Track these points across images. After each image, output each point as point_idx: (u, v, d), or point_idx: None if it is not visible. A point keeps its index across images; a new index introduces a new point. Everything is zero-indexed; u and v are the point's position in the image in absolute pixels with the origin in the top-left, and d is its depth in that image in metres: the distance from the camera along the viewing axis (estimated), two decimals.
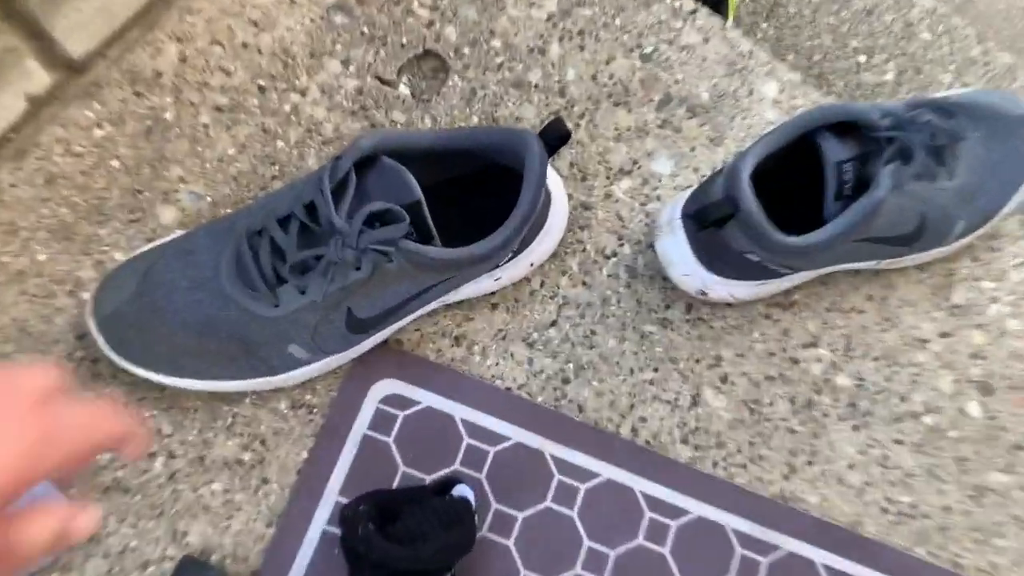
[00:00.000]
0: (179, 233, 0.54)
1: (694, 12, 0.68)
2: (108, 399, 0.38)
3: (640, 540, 0.56)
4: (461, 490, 0.54)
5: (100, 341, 0.52)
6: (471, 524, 0.52)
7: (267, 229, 0.50)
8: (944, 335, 0.63)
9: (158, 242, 0.54)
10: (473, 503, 0.53)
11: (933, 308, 0.63)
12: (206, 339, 0.52)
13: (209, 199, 0.59)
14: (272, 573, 0.53)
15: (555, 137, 0.52)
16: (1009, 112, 0.63)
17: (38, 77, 0.56)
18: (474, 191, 0.56)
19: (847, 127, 0.56)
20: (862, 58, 0.93)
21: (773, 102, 0.67)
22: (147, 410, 0.55)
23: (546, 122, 0.51)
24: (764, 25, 0.94)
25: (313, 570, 0.54)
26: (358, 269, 0.49)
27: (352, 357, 0.57)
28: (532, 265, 0.60)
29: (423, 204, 0.49)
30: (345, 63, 0.63)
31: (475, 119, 0.63)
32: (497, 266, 0.56)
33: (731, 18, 0.87)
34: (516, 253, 0.57)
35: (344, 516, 0.52)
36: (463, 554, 0.52)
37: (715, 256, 0.57)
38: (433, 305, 0.57)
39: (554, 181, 0.59)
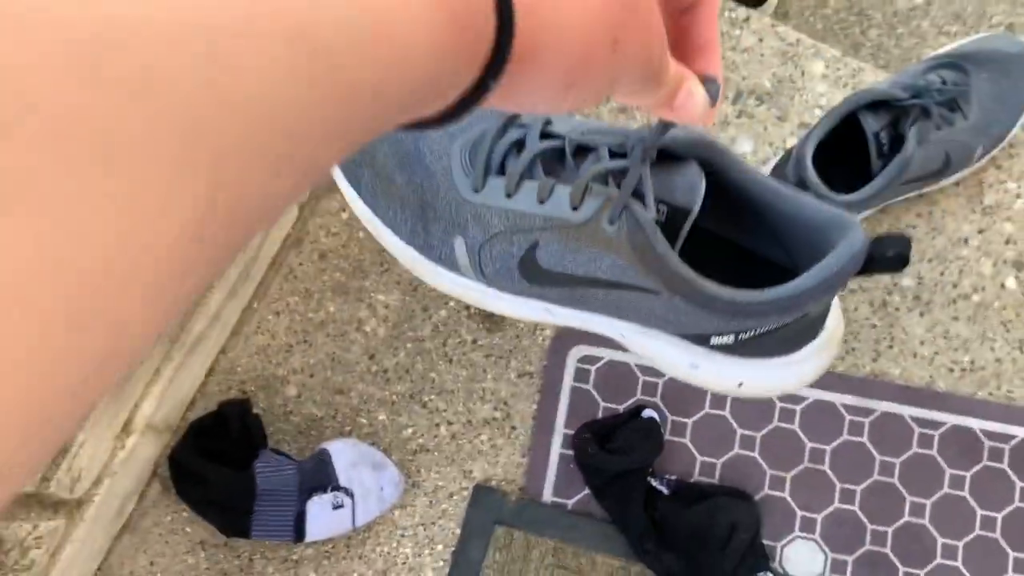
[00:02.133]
0: None
1: (747, 19, 0.87)
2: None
3: (775, 423, 0.80)
4: (648, 413, 0.79)
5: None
6: (660, 435, 0.78)
7: (529, 128, 0.46)
8: (981, 231, 0.83)
9: None
10: (658, 419, 0.79)
11: (969, 212, 0.84)
12: (400, 171, 0.49)
13: None
14: (532, 486, 0.81)
15: (889, 257, 0.42)
16: (1008, 50, 0.82)
17: None
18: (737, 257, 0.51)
19: (879, 103, 0.76)
20: None
21: (822, 76, 0.86)
22: (426, 396, 0.82)
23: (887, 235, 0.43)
24: None
25: (558, 480, 0.81)
26: (575, 209, 0.44)
27: (493, 308, 0.52)
28: (741, 386, 0.51)
29: (691, 217, 0.44)
30: None
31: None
32: (707, 343, 0.47)
33: None
34: (742, 350, 0.49)
35: (574, 442, 0.79)
36: (657, 455, 0.78)
37: None
38: (599, 324, 0.51)
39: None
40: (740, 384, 0.52)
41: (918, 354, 0.81)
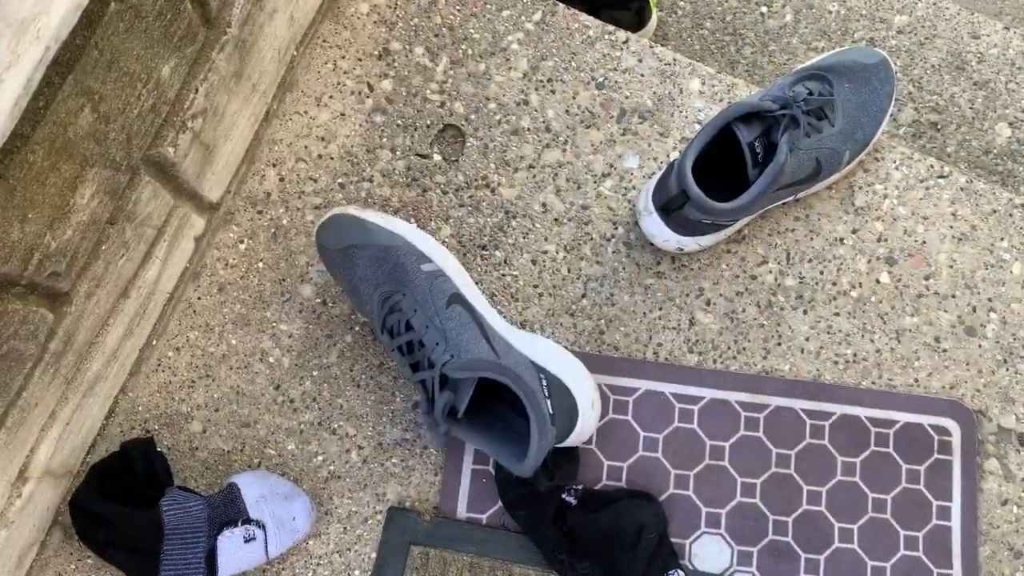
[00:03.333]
0: (381, 224, 0.76)
1: (627, 41, 0.92)
2: None
3: (676, 423, 0.83)
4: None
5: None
6: (577, 456, 0.80)
7: (403, 314, 0.74)
8: (854, 231, 0.89)
9: (368, 229, 0.76)
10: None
11: (843, 213, 0.89)
12: (356, 299, 0.76)
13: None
14: (446, 504, 0.81)
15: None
16: (867, 61, 0.88)
17: (197, 223, 0.81)
18: None
19: (751, 115, 0.80)
20: (764, 9, 1.16)
21: (699, 93, 0.91)
22: (335, 422, 0.82)
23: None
24: (682, 3, 1.17)
25: (472, 496, 0.82)
26: (414, 383, 0.75)
27: None
28: None
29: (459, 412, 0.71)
30: (392, 150, 0.88)
31: (492, 166, 0.88)
32: None
33: (654, 12, 1.10)
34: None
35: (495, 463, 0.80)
36: (575, 476, 0.80)
37: (682, 225, 0.83)
38: None
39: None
40: None
41: (805, 349, 0.86)
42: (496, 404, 0.76)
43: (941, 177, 0.90)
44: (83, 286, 0.66)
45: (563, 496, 0.79)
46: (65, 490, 0.77)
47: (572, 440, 0.77)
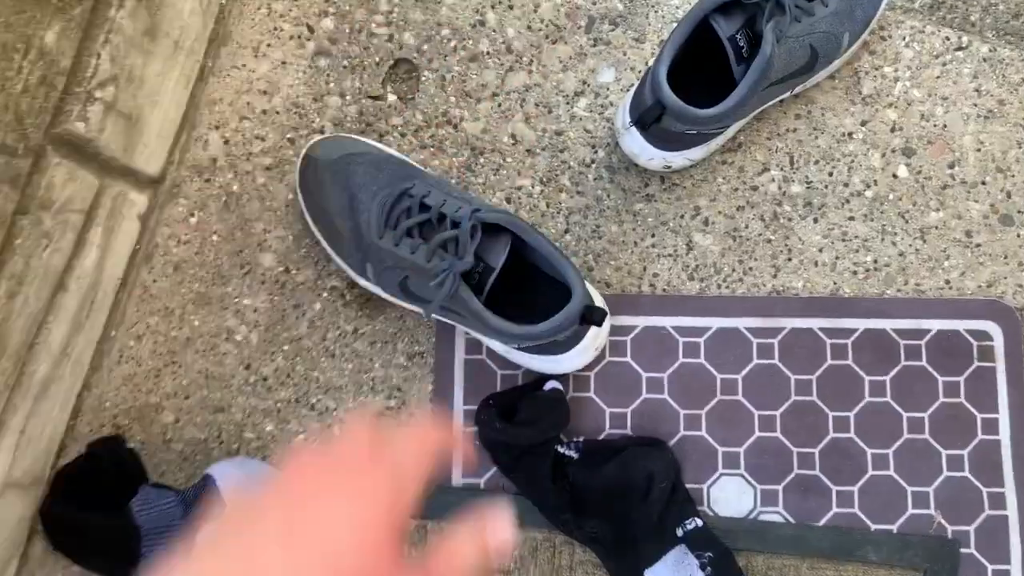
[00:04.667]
0: (382, 147, 0.75)
1: None
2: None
3: (680, 359, 0.76)
4: (552, 384, 0.74)
5: (298, 164, 0.74)
6: (565, 404, 0.73)
7: (414, 199, 0.68)
8: (864, 123, 0.79)
9: (362, 141, 0.75)
10: (562, 389, 0.74)
11: (849, 105, 0.79)
12: (348, 211, 0.71)
13: (291, 237, 0.78)
14: (439, 472, 0.76)
15: (594, 319, 0.66)
16: None
17: (138, 200, 0.75)
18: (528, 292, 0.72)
19: (730, 4, 0.70)
20: None
21: None
22: (313, 397, 0.77)
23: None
24: None
25: (468, 460, 0.76)
26: (428, 262, 0.66)
27: (397, 304, 0.75)
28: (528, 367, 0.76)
29: (494, 273, 0.67)
30: (342, 95, 0.80)
31: (452, 99, 0.80)
32: (508, 344, 0.71)
33: None
34: (526, 349, 0.72)
35: (479, 419, 0.74)
36: (566, 424, 0.73)
37: (665, 139, 0.74)
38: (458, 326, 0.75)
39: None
40: (527, 368, 0.76)
41: (818, 262, 0.77)
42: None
43: (959, 49, 0.79)
44: (0, 286, 0.61)
45: (561, 450, 0.73)
46: (36, 499, 0.73)
47: (586, 347, 0.72)
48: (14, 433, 0.68)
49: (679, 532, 0.71)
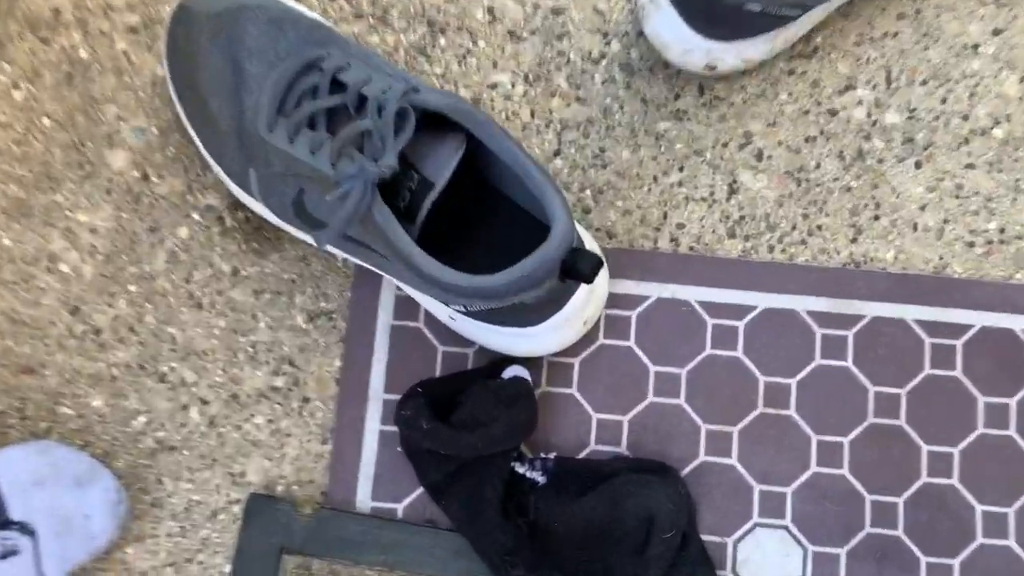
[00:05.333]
0: (289, 2, 0.51)
1: None
2: None
3: (708, 349, 0.51)
4: (515, 370, 0.50)
5: (167, 20, 0.51)
6: (532, 400, 0.49)
7: (323, 74, 0.45)
8: (996, 32, 0.55)
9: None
10: (529, 379, 0.49)
11: (978, 5, 0.55)
12: (230, 91, 0.48)
13: (155, 130, 0.54)
14: (341, 487, 0.51)
15: (581, 270, 0.43)
16: None
17: None
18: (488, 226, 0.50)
19: None
20: None
21: None
22: (164, 363, 0.52)
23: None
24: None
25: (379, 475, 0.51)
26: (334, 166, 0.43)
27: (291, 232, 0.52)
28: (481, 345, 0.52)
29: (433, 192, 0.45)
30: None
31: None
32: (450, 305, 0.47)
33: None
34: (477, 316, 0.47)
35: (400, 416, 0.49)
36: (531, 431, 0.49)
37: (712, 20, 0.49)
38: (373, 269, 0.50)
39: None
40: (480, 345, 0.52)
41: (919, 225, 0.53)
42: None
43: None
44: None
45: (521, 470, 0.49)
46: None
47: (568, 318, 0.48)
48: None
49: None
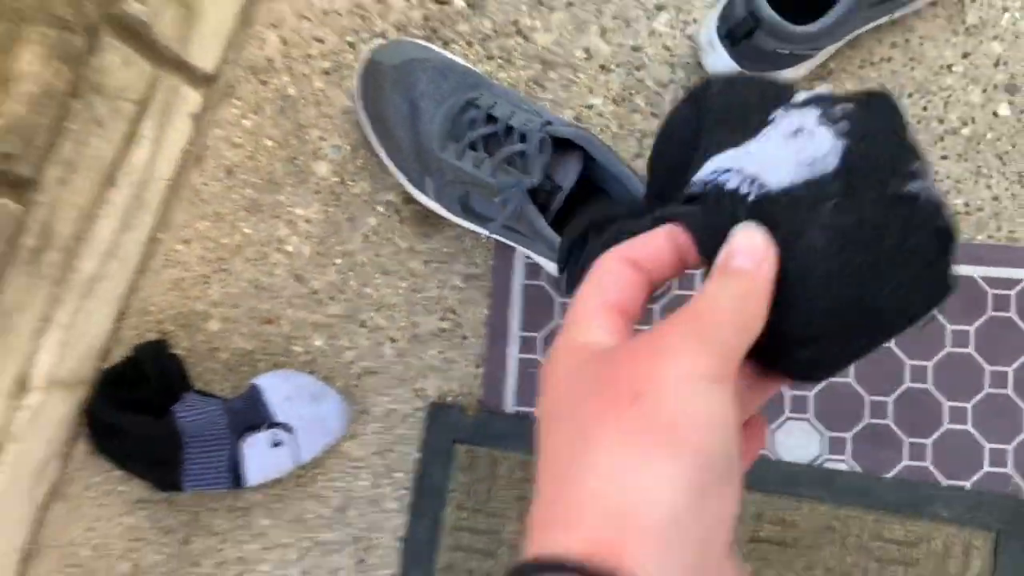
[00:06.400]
0: (447, 54, 0.71)
1: None
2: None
3: None
4: None
5: (358, 68, 0.70)
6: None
7: (480, 110, 0.65)
8: (965, 55, 0.73)
9: (428, 47, 0.71)
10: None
11: (951, 35, 0.73)
12: (409, 121, 0.67)
13: (348, 147, 0.75)
14: (491, 397, 0.73)
15: None
16: None
17: (192, 97, 0.72)
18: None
19: None
20: None
21: None
22: (364, 313, 0.74)
23: None
24: None
25: (520, 387, 0.73)
26: (493, 177, 0.63)
27: (456, 222, 0.71)
28: None
29: (562, 193, 0.64)
30: None
31: (524, 7, 0.75)
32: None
33: None
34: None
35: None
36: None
37: (754, 59, 0.69)
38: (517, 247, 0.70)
39: None
40: None
41: None
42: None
43: None
44: (52, 171, 0.58)
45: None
46: (80, 400, 0.71)
47: None
48: (60, 329, 0.66)
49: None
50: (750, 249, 0.28)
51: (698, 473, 0.24)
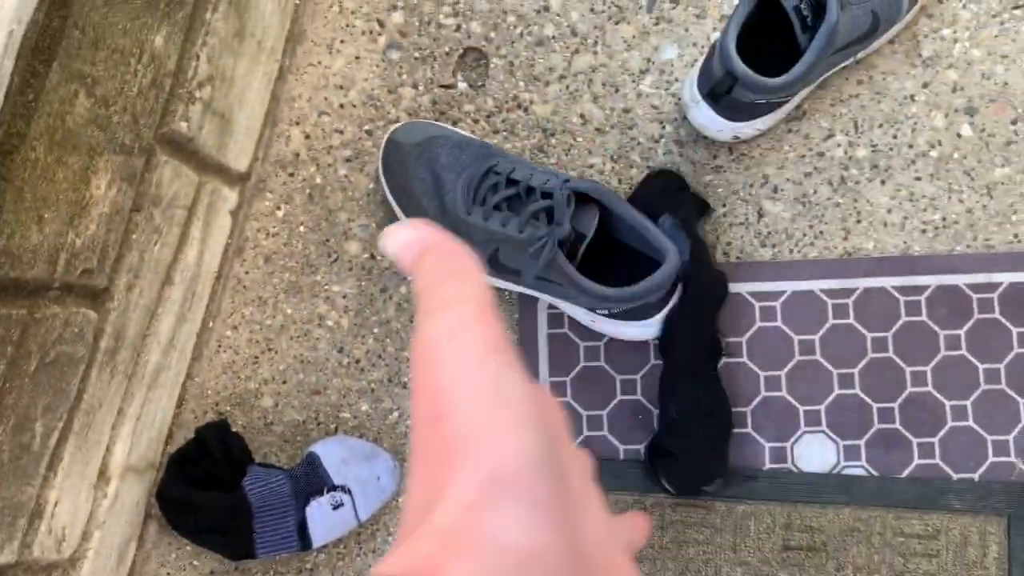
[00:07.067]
0: (461, 131, 0.79)
1: None
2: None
3: (757, 323, 0.78)
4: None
5: (381, 149, 0.78)
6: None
7: (500, 176, 0.72)
8: (925, 85, 0.81)
9: (442, 126, 0.79)
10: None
11: (910, 68, 0.81)
12: (433, 191, 0.75)
13: (374, 224, 0.82)
14: None
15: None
16: None
17: (230, 196, 0.79)
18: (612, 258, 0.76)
19: None
20: None
21: None
22: (404, 376, 0.80)
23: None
24: None
25: None
26: (521, 232, 0.70)
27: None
28: (613, 337, 0.79)
29: (586, 240, 0.71)
30: (415, 86, 0.83)
31: (521, 84, 0.82)
32: (596, 311, 0.75)
33: None
34: (616, 316, 0.75)
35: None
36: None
37: (734, 110, 0.76)
38: (540, 296, 0.78)
39: None
40: (612, 337, 0.80)
41: (888, 222, 0.79)
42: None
43: (1017, 8, 0.81)
44: (121, 279, 0.64)
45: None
46: (150, 483, 0.77)
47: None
48: (131, 420, 0.72)
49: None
50: None
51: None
